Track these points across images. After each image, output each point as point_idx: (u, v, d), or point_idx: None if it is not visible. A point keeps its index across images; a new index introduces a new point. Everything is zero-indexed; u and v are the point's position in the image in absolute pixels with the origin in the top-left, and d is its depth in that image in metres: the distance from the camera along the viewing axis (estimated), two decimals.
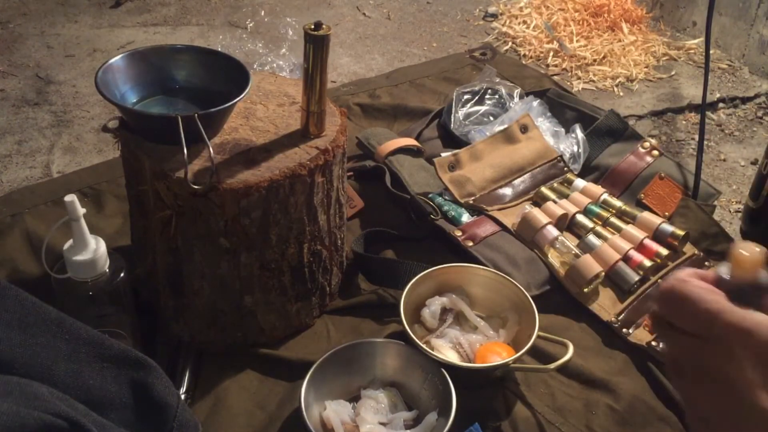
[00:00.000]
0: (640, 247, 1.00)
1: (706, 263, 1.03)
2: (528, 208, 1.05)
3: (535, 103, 1.23)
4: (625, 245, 0.99)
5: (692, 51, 1.88)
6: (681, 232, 1.01)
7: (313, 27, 0.78)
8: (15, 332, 0.49)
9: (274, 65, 1.36)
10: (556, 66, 1.79)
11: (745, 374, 0.41)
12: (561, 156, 1.16)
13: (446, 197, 1.08)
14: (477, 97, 1.27)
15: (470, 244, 1.00)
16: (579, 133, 1.19)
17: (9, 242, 1.02)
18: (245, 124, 0.86)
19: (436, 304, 0.90)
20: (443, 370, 0.80)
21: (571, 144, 1.18)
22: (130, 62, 0.84)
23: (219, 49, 0.90)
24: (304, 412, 0.76)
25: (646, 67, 1.79)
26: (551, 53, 1.82)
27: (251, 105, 0.90)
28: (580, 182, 1.12)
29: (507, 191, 1.11)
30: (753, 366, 0.41)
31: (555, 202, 1.07)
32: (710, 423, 0.44)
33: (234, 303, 0.85)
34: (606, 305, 0.96)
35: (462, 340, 0.87)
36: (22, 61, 1.72)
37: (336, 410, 0.79)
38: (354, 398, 0.82)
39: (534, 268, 0.98)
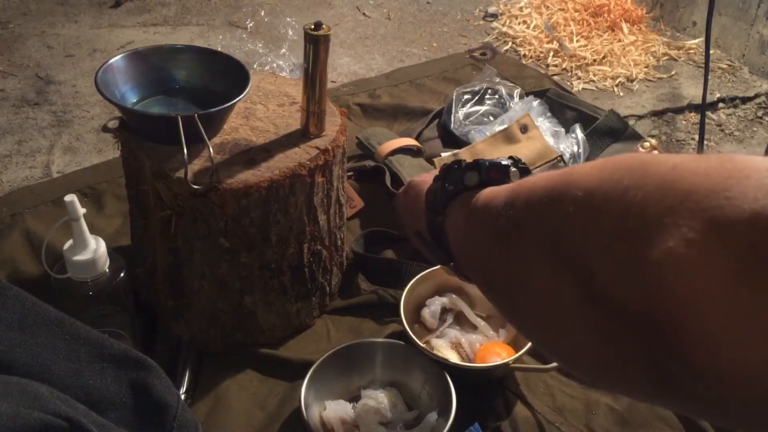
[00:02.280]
0: None
1: None
2: None
3: (535, 103, 1.23)
4: None
5: (692, 51, 1.88)
6: None
7: (313, 27, 0.78)
8: (15, 332, 0.49)
9: (274, 65, 1.36)
10: (556, 66, 1.79)
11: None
12: (561, 156, 1.16)
13: None
14: (477, 97, 1.27)
15: None
16: (579, 133, 1.19)
17: (9, 242, 1.02)
18: (245, 124, 0.86)
19: (436, 304, 0.90)
20: (443, 370, 0.80)
21: (571, 144, 1.18)
22: (130, 62, 0.84)
23: (219, 49, 0.90)
24: (304, 412, 0.76)
25: (646, 67, 1.79)
26: (551, 53, 1.82)
27: (251, 105, 0.90)
28: None
29: None
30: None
31: None
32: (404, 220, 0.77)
33: (234, 303, 0.85)
34: None
35: (462, 340, 0.87)
36: (22, 61, 1.72)
37: (336, 410, 0.79)
38: (354, 398, 0.82)
39: None
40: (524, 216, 0.46)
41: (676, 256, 0.32)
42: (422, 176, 0.73)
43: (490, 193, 0.54)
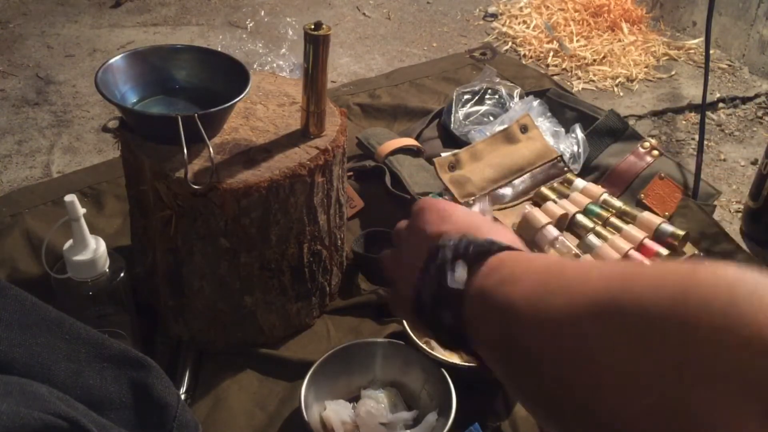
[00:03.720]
0: (641, 247, 1.00)
1: None
2: (528, 208, 1.05)
3: (535, 103, 1.23)
4: (625, 245, 0.99)
5: (692, 51, 1.88)
6: (681, 232, 1.01)
7: (313, 27, 0.78)
8: (15, 332, 0.49)
9: (274, 65, 1.36)
10: (556, 66, 1.79)
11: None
12: (561, 156, 1.16)
13: (446, 197, 1.08)
14: (477, 97, 1.27)
15: None
16: (579, 133, 1.19)
17: (9, 242, 1.02)
18: (245, 124, 0.86)
19: None
20: (443, 370, 0.80)
21: (571, 144, 1.18)
22: (130, 62, 0.84)
23: (219, 49, 0.90)
24: (304, 412, 0.76)
25: (646, 67, 1.79)
26: (551, 53, 1.82)
27: (251, 105, 0.90)
28: (580, 182, 1.12)
29: (507, 191, 1.11)
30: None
31: (555, 202, 1.07)
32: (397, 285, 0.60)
33: (234, 303, 0.85)
34: None
35: None
36: (22, 61, 1.72)
37: (336, 410, 0.79)
38: (354, 398, 0.82)
39: None
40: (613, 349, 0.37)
41: None
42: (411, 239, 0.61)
43: (519, 291, 0.44)
